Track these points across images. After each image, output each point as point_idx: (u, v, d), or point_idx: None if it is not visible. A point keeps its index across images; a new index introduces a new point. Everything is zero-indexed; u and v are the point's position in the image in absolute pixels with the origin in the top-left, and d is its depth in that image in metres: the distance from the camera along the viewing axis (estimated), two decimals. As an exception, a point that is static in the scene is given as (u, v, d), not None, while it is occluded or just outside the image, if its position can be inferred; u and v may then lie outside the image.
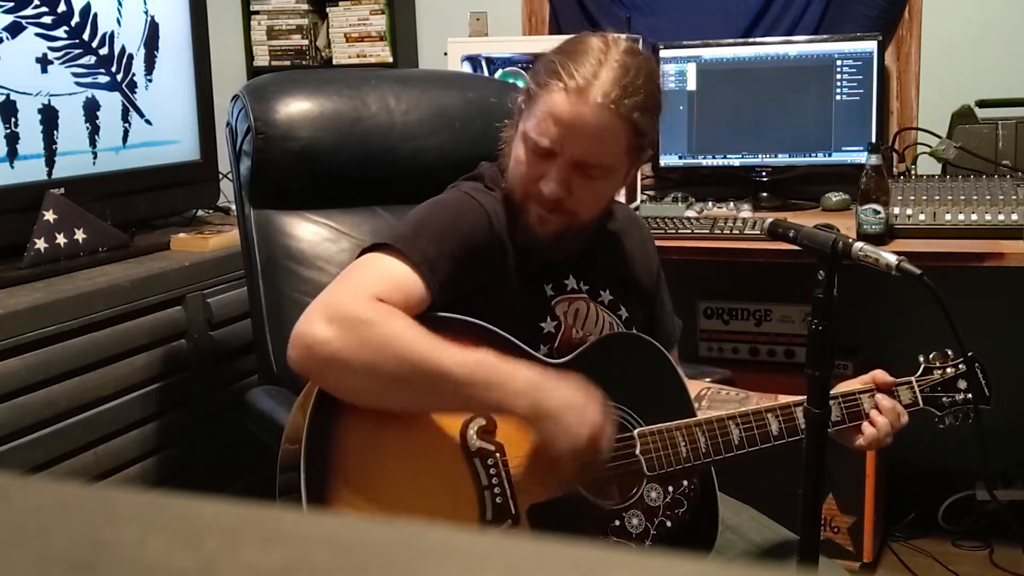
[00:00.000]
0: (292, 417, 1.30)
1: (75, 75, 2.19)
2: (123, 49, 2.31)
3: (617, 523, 1.38)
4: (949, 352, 1.55)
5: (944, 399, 1.53)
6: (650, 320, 1.63)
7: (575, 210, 1.42)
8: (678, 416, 1.43)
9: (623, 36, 1.46)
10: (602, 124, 1.36)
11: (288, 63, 3.37)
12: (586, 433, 1.26)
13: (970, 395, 1.52)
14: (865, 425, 1.48)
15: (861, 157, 2.50)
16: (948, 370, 1.54)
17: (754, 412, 1.46)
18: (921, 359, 1.55)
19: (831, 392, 1.37)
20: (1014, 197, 2.28)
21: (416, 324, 1.26)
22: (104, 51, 2.25)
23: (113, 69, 2.28)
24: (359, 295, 1.26)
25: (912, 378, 1.53)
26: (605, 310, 1.53)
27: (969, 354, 1.53)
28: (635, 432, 1.40)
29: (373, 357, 1.22)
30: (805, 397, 1.45)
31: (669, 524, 1.41)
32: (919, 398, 1.52)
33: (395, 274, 1.31)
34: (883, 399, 1.48)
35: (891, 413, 1.47)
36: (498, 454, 1.32)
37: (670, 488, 1.42)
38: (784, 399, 1.50)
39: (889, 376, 1.51)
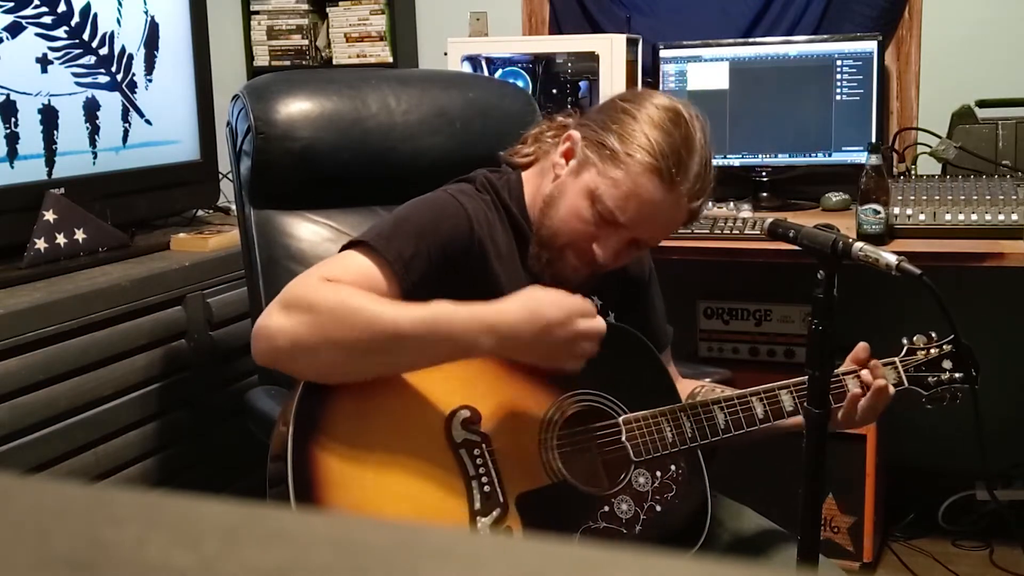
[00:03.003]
0: (276, 432, 1.30)
1: (75, 75, 2.19)
2: (123, 49, 2.31)
3: (606, 509, 1.39)
4: (933, 334, 1.54)
5: (930, 379, 1.52)
6: (641, 323, 1.63)
7: (609, 266, 1.46)
8: (663, 403, 1.45)
9: (665, 95, 1.47)
10: (676, 214, 1.42)
11: (288, 63, 3.37)
12: (557, 324, 1.28)
13: (956, 375, 1.51)
14: (848, 399, 1.47)
15: (861, 157, 2.50)
16: (932, 351, 1.53)
17: (739, 396, 1.48)
18: (904, 341, 1.55)
19: (829, 395, 1.37)
20: (1014, 197, 2.28)
21: (365, 292, 1.27)
22: (104, 51, 2.25)
23: (113, 69, 2.28)
24: (310, 281, 1.29)
25: (896, 358, 1.53)
26: None
27: (952, 335, 1.52)
28: (620, 419, 1.42)
29: (329, 332, 1.24)
30: (790, 380, 1.47)
31: (659, 508, 1.42)
32: (904, 378, 1.51)
33: (360, 268, 1.33)
34: (867, 375, 1.47)
35: (873, 386, 1.46)
36: (484, 444, 1.33)
37: (658, 473, 1.43)
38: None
39: (869, 352, 1.50)
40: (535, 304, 1.29)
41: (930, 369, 1.53)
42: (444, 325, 1.26)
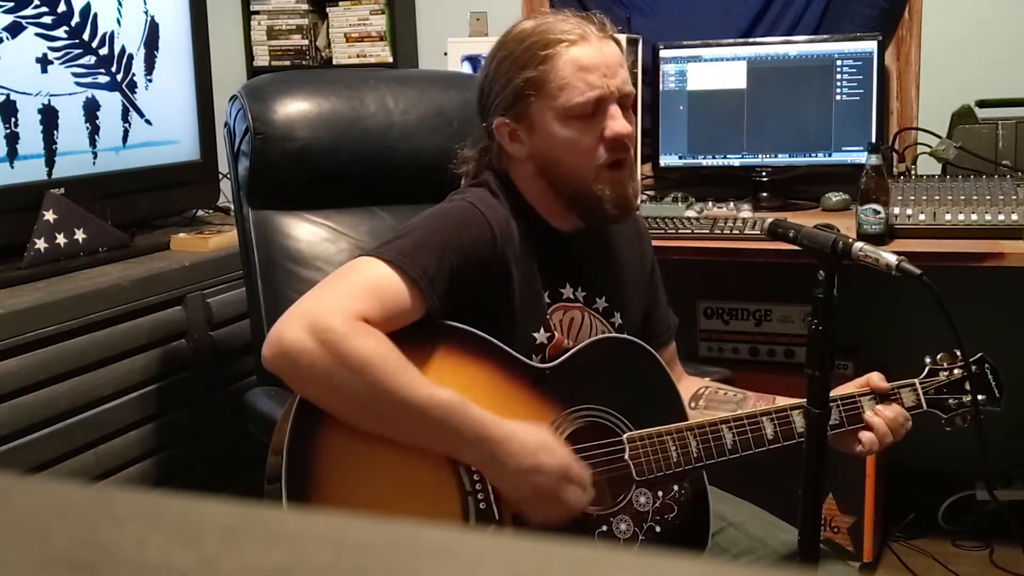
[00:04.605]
0: (277, 429, 1.30)
1: (75, 75, 2.19)
2: (123, 49, 2.30)
3: (604, 528, 1.37)
4: (957, 353, 1.51)
5: (951, 401, 1.49)
6: (646, 319, 1.62)
7: (630, 148, 1.46)
8: (669, 420, 1.42)
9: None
10: (616, 51, 1.46)
11: (288, 63, 3.37)
12: (547, 484, 1.29)
13: (979, 396, 1.48)
14: (864, 431, 1.46)
15: (861, 157, 2.50)
16: (955, 371, 1.50)
17: (748, 416, 1.44)
18: (927, 360, 1.52)
19: (829, 395, 1.36)
20: (1014, 197, 2.28)
21: (395, 351, 1.25)
22: (104, 51, 2.25)
23: (113, 69, 2.28)
24: (344, 309, 1.24)
25: (915, 380, 1.50)
26: (599, 318, 1.52)
27: (979, 355, 1.50)
28: (624, 436, 1.40)
29: (345, 377, 1.22)
30: (803, 400, 1.44)
31: (659, 529, 1.40)
32: (923, 400, 1.49)
33: (386, 288, 1.29)
34: (884, 409, 1.46)
35: (893, 422, 1.45)
36: None
37: (660, 493, 1.41)
38: (782, 401, 1.49)
39: (885, 381, 1.49)
40: (536, 445, 1.30)
41: (951, 391, 1.50)
42: (458, 417, 1.26)
